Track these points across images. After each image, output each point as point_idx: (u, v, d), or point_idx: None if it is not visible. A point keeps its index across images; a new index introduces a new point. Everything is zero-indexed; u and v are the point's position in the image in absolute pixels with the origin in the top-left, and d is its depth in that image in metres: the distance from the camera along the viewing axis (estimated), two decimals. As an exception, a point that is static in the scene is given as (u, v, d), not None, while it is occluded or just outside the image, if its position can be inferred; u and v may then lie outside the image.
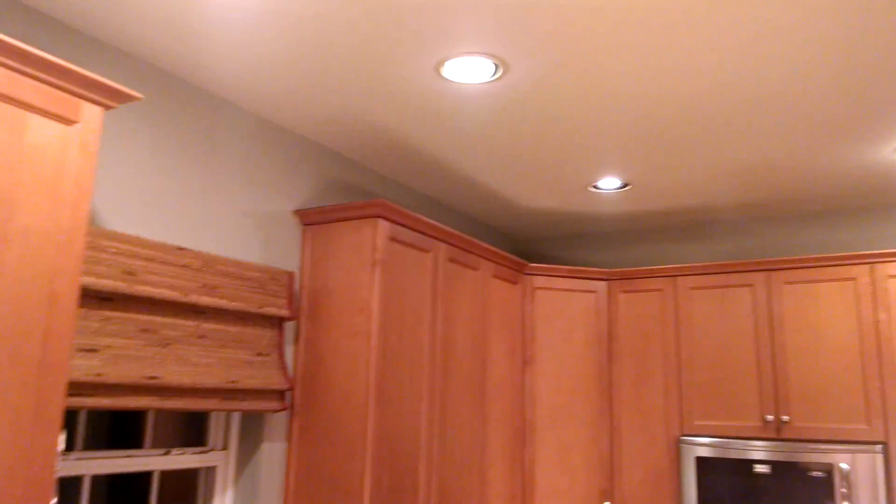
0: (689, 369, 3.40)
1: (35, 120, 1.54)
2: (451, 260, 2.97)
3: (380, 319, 2.51)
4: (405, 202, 3.35)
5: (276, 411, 2.44)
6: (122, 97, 1.69)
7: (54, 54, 1.96)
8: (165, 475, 2.36)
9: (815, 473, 2.99)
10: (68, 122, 1.59)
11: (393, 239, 2.62)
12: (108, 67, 2.09)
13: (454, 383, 2.92)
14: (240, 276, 2.34)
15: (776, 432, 3.18)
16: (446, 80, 2.23)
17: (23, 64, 1.51)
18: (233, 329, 2.32)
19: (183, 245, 2.23)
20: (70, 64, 1.58)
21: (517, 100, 2.36)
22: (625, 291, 3.62)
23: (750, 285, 3.35)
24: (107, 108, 1.67)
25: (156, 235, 2.16)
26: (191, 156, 2.31)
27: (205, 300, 2.19)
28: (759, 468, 3.09)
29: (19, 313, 1.47)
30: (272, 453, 2.52)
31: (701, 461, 3.21)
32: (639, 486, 3.42)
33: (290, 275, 2.55)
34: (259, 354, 2.41)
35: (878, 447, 2.91)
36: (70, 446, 2.08)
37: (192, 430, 2.50)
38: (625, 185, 3.26)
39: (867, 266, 3.14)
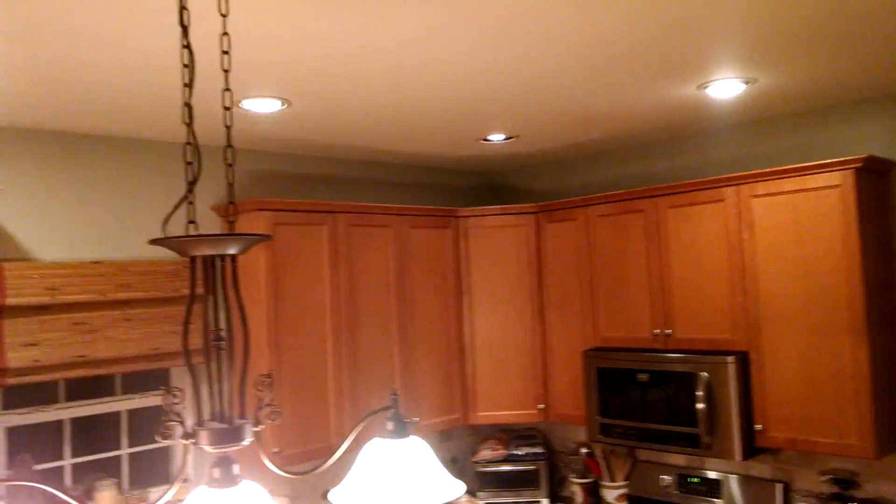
0: (599, 289, 3.80)
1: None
2: (353, 225, 3.60)
3: (270, 288, 3.26)
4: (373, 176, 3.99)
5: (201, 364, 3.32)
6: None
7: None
8: (144, 413, 3.36)
9: (681, 381, 3.35)
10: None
11: (279, 223, 3.32)
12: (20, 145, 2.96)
13: (365, 323, 3.61)
14: (154, 272, 3.19)
15: (663, 344, 3.54)
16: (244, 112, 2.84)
17: None
18: (156, 310, 3.20)
19: (102, 258, 3.11)
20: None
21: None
22: (550, 222, 4.03)
23: (641, 211, 3.63)
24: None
25: (81, 256, 3.06)
26: (102, 193, 3.15)
27: (121, 296, 3.08)
28: (641, 377, 3.51)
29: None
30: (216, 391, 3.42)
31: (600, 371, 3.67)
32: (565, 391, 3.95)
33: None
34: (184, 324, 3.28)
35: (731, 357, 3.21)
36: (55, 400, 3.11)
37: (161, 378, 3.46)
38: (510, 137, 3.65)
39: (734, 188, 3.31)
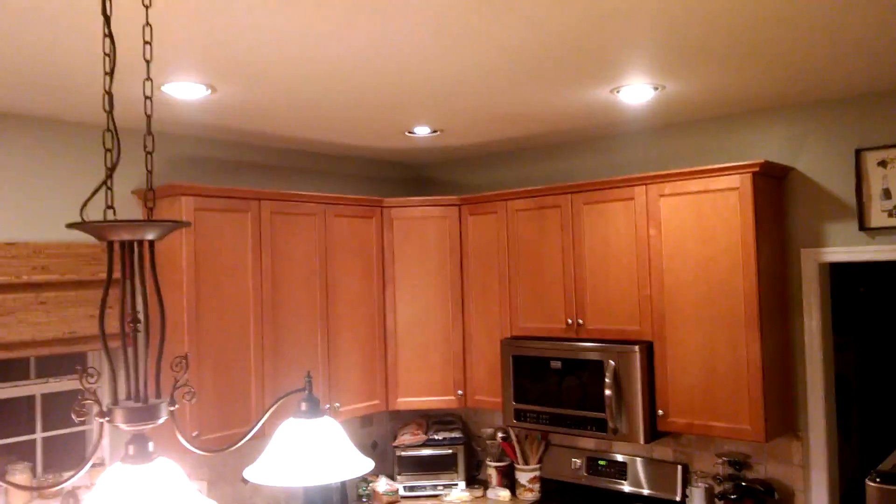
0: (517, 280, 3.95)
1: None
2: (277, 212, 3.64)
3: (191, 273, 3.27)
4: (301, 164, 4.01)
5: (117, 348, 3.31)
6: None
7: None
8: (59, 397, 3.32)
9: (591, 368, 3.53)
10: None
11: (202, 209, 3.33)
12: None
13: (288, 310, 3.66)
14: (71, 254, 3.16)
15: (575, 333, 3.71)
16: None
17: None
18: (73, 293, 3.17)
19: (17, 240, 3.06)
20: None
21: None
22: (472, 214, 4.15)
23: (558, 206, 3.79)
24: None
25: (-7, 236, 3.01)
26: (18, 173, 3.10)
27: (36, 278, 3.04)
28: (554, 364, 3.67)
29: None
30: (135, 375, 3.42)
31: (516, 358, 3.82)
32: (483, 378, 4.09)
33: (125, 245, 3.34)
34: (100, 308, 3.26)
35: (637, 346, 3.40)
36: (-34, 383, 3.05)
37: (78, 361, 3.43)
38: (435, 131, 3.75)
39: (643, 187, 3.50)
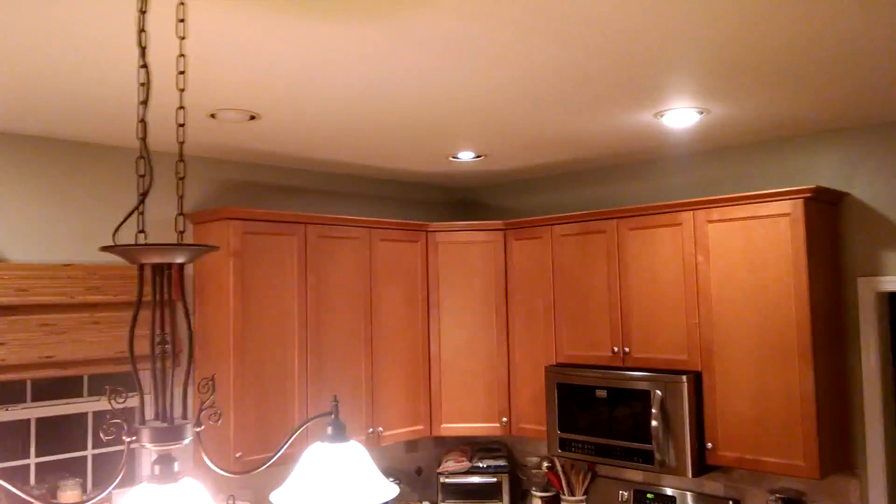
0: (562, 307, 3.90)
1: None
2: (322, 236, 3.69)
3: (237, 296, 3.34)
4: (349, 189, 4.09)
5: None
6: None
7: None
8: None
9: (637, 398, 3.45)
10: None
11: (247, 233, 3.40)
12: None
13: (332, 333, 3.69)
14: (123, 276, 3.26)
15: (622, 361, 3.64)
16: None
17: None
18: (124, 314, 3.27)
19: (73, 261, 3.18)
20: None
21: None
22: (517, 239, 4.13)
23: (603, 232, 3.74)
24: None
25: (51, 259, 3.13)
26: (74, 197, 3.22)
27: (90, 298, 3.14)
28: (600, 393, 3.60)
29: None
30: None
31: (560, 386, 3.76)
32: (527, 406, 4.04)
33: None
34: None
35: (684, 377, 3.31)
36: (22, 400, 3.17)
37: (129, 380, 3.52)
38: (479, 156, 3.76)
39: (691, 213, 3.42)
